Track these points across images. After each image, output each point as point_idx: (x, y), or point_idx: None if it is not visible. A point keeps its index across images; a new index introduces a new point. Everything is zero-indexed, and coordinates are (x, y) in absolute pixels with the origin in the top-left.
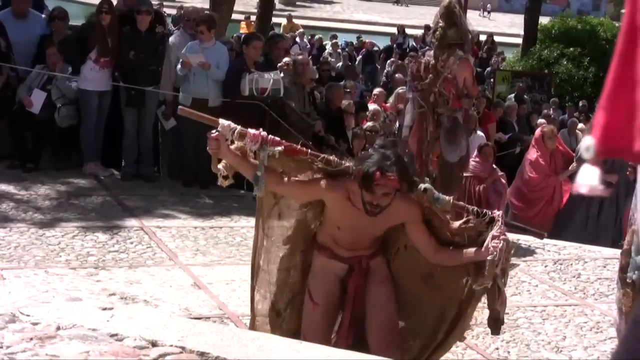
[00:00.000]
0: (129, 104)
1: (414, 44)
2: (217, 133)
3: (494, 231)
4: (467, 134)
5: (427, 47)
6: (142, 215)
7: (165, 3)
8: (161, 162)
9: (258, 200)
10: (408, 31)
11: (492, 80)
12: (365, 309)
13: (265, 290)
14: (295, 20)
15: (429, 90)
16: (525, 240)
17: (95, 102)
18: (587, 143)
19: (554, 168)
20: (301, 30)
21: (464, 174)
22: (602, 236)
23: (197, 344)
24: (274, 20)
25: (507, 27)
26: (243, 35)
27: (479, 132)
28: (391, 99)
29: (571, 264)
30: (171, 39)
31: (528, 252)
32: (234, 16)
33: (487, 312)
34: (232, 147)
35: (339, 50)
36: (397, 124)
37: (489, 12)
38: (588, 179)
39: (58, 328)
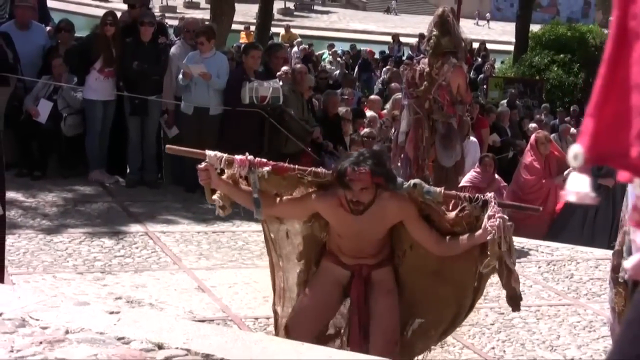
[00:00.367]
0: (132, 113)
1: (410, 52)
2: (205, 164)
3: (489, 212)
4: (462, 139)
5: (421, 55)
6: (147, 221)
7: (166, 14)
8: (164, 169)
9: (264, 226)
10: (403, 40)
11: (485, 86)
12: (370, 319)
13: (290, 308)
14: (293, 30)
15: (424, 97)
16: (519, 242)
17: (100, 111)
18: (575, 151)
19: (548, 172)
20: (299, 39)
21: (464, 184)
22: (598, 239)
23: (202, 346)
24: (273, 30)
25: (499, 34)
26: (242, 45)
27: (472, 138)
28: (388, 106)
29: (564, 265)
30: (172, 49)
31: (522, 253)
32: (234, 26)
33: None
34: (224, 176)
35: (338, 59)
36: (393, 130)
37: (488, 21)
38: (577, 187)
39: (67, 332)
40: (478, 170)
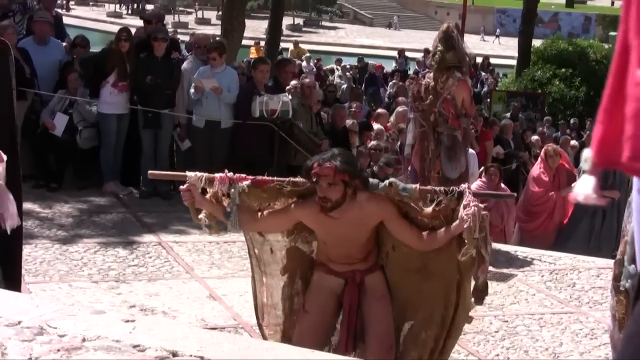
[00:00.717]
0: (146, 126)
1: (416, 67)
2: (187, 185)
3: (464, 201)
4: (466, 151)
5: (426, 70)
6: (160, 231)
7: (179, 30)
8: (177, 180)
9: (248, 243)
10: (408, 54)
11: (488, 100)
12: (364, 325)
13: (276, 324)
14: (301, 45)
15: (429, 111)
16: (522, 252)
17: (114, 124)
18: (586, 155)
19: (557, 184)
20: (307, 54)
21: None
22: (604, 249)
23: (215, 353)
24: (282, 45)
25: (502, 49)
26: (252, 60)
27: (470, 150)
28: (392, 119)
29: (566, 274)
30: (184, 64)
31: (525, 262)
32: (244, 42)
33: (486, 317)
34: (207, 195)
35: (347, 73)
36: (399, 142)
37: (497, 37)
38: (584, 188)
39: (84, 340)
40: (484, 179)
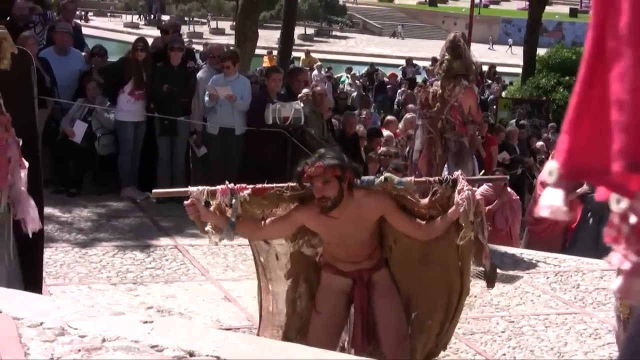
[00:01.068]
0: (162, 133)
1: (425, 75)
2: (191, 199)
3: (458, 187)
4: (473, 156)
5: (434, 78)
6: (176, 235)
7: (194, 40)
8: (193, 186)
9: (253, 250)
10: (416, 63)
11: (494, 107)
12: (375, 320)
13: (279, 329)
14: (312, 54)
15: (436, 118)
16: (528, 254)
17: (131, 132)
18: (551, 167)
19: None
20: (319, 63)
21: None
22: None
23: (231, 353)
24: (294, 54)
25: (508, 58)
26: (265, 69)
27: None
28: (401, 125)
29: (571, 276)
30: (199, 73)
31: (531, 265)
32: (257, 51)
33: (493, 317)
34: (211, 208)
35: (357, 82)
36: (408, 148)
37: (510, 46)
38: (551, 201)
39: (103, 340)
40: (490, 184)
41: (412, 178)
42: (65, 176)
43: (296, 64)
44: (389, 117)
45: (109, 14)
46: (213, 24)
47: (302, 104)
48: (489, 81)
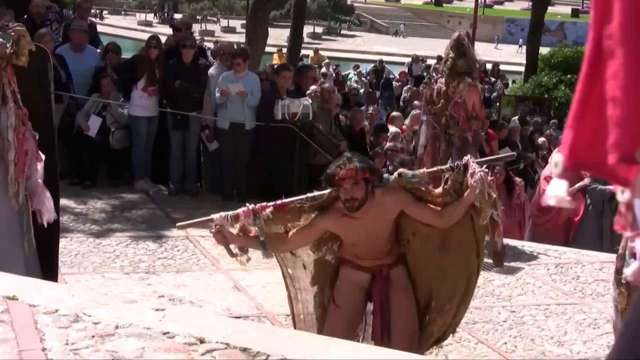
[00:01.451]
0: (175, 128)
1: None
2: (216, 227)
3: (470, 171)
4: (477, 151)
5: (439, 75)
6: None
7: (205, 38)
8: (204, 179)
9: (280, 263)
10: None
11: (497, 104)
12: (390, 314)
13: (313, 328)
14: (321, 52)
15: (440, 114)
16: (529, 246)
17: (144, 126)
18: (556, 159)
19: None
20: (327, 60)
21: None
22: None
23: (240, 340)
24: (303, 52)
25: (511, 56)
26: (275, 66)
27: None
28: (407, 121)
29: (571, 267)
30: (210, 70)
31: (532, 257)
32: (267, 49)
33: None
34: (234, 231)
35: (363, 79)
36: (413, 144)
37: (520, 46)
38: (556, 191)
39: (117, 327)
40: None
41: (425, 169)
42: (80, 169)
43: (305, 61)
44: (394, 114)
45: (123, 12)
46: (224, 22)
47: (310, 100)
48: (492, 79)
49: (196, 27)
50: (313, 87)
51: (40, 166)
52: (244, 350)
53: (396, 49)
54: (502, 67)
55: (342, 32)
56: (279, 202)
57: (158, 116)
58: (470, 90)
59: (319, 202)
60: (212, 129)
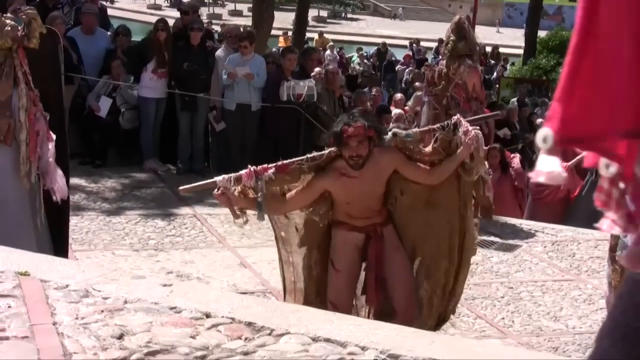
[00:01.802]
0: (183, 109)
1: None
2: (220, 190)
3: (462, 129)
4: None
5: (440, 58)
6: (195, 204)
7: (213, 21)
8: (211, 158)
9: (274, 227)
10: (423, 44)
11: (497, 86)
12: (386, 273)
13: (300, 294)
14: (325, 35)
15: (441, 95)
16: (527, 224)
17: (152, 107)
18: (545, 133)
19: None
20: (331, 43)
21: None
22: None
23: (245, 315)
24: (308, 35)
25: (510, 40)
26: (281, 49)
27: None
28: (410, 102)
29: (567, 245)
30: (218, 52)
31: (529, 234)
32: (273, 32)
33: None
34: (235, 193)
35: (365, 61)
36: (415, 124)
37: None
38: (547, 167)
39: (125, 302)
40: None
41: (417, 129)
42: (91, 149)
43: (310, 44)
44: (396, 95)
45: None
46: (231, 6)
47: (314, 82)
48: (492, 61)
49: (204, 11)
50: (317, 69)
51: (51, 145)
52: (249, 324)
53: (399, 32)
54: (502, 50)
55: (347, 15)
56: (279, 163)
57: (166, 98)
58: (470, 72)
59: (317, 163)
60: (219, 110)
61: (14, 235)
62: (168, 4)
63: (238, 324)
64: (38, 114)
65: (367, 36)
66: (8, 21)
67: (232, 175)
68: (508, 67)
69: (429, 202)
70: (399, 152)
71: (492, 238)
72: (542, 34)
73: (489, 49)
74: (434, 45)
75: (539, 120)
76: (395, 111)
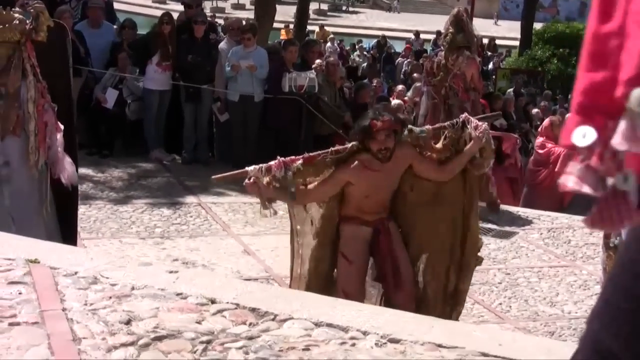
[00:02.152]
0: (187, 100)
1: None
2: (252, 179)
3: (472, 126)
4: None
5: (439, 49)
6: (200, 193)
7: (216, 14)
8: (215, 148)
9: (291, 219)
10: (423, 36)
11: (494, 76)
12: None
13: (304, 285)
14: (326, 28)
15: (440, 85)
16: (524, 212)
17: (156, 99)
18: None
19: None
20: (332, 36)
21: None
22: None
23: (249, 301)
24: (309, 27)
25: (506, 31)
26: (282, 41)
27: None
28: (409, 93)
29: (563, 232)
30: (221, 45)
31: (526, 222)
32: (275, 25)
33: (491, 270)
34: (264, 183)
35: (365, 53)
36: (414, 114)
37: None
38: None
39: (132, 288)
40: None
41: (429, 126)
42: (98, 139)
43: (311, 37)
44: (398, 87)
45: None
46: None
47: (315, 74)
48: (489, 53)
49: (207, 4)
50: (318, 61)
51: (59, 136)
52: (253, 310)
53: (397, 25)
54: (499, 42)
55: (347, 8)
56: (306, 155)
57: (171, 89)
58: (469, 63)
59: (340, 156)
60: (223, 101)
61: (24, 223)
62: None
63: (242, 310)
64: (46, 105)
65: (367, 29)
66: (16, 15)
67: (263, 165)
68: (504, 59)
69: (435, 199)
70: (413, 147)
71: (489, 225)
72: (537, 26)
73: (485, 41)
74: (432, 37)
75: (534, 111)
76: (394, 102)
